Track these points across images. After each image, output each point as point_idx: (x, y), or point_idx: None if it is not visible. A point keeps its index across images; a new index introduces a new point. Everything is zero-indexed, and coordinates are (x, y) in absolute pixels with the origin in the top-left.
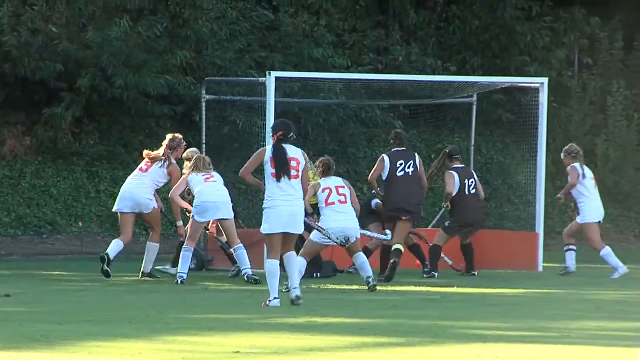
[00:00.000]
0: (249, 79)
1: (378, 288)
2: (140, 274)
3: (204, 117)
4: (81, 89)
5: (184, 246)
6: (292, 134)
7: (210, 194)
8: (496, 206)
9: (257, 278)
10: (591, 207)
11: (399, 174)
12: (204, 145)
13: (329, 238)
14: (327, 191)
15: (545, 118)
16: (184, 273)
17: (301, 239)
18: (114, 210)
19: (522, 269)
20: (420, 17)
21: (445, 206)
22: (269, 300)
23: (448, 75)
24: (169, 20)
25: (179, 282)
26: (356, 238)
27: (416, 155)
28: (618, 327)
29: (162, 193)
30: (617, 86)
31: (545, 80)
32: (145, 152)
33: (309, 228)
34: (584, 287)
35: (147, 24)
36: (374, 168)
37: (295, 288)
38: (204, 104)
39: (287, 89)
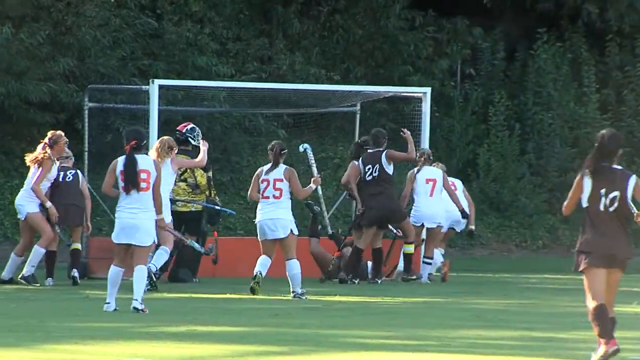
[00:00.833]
0: (132, 86)
1: (261, 296)
2: (20, 276)
3: (86, 124)
4: None
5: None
6: (145, 141)
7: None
8: None
9: (154, 279)
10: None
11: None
12: (86, 153)
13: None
14: (265, 183)
15: (427, 127)
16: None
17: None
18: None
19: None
20: (304, 26)
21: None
22: (106, 303)
23: (331, 84)
24: (51, 27)
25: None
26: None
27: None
28: (498, 336)
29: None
30: (499, 96)
31: (428, 89)
32: (27, 158)
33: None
34: (464, 296)
35: (30, 30)
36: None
37: (136, 300)
38: (86, 112)
39: (170, 97)
